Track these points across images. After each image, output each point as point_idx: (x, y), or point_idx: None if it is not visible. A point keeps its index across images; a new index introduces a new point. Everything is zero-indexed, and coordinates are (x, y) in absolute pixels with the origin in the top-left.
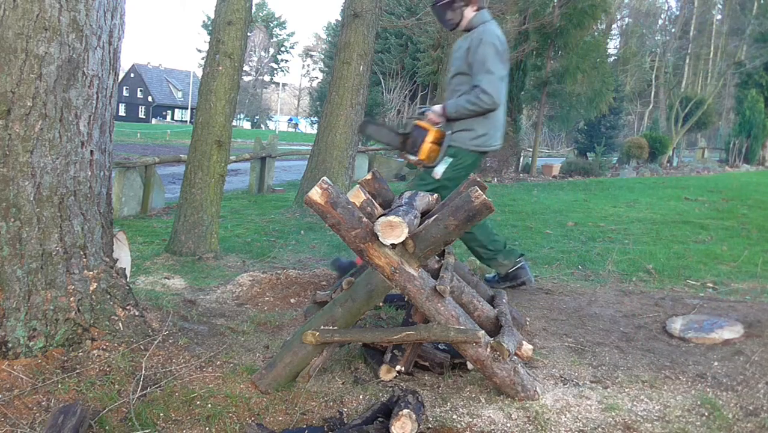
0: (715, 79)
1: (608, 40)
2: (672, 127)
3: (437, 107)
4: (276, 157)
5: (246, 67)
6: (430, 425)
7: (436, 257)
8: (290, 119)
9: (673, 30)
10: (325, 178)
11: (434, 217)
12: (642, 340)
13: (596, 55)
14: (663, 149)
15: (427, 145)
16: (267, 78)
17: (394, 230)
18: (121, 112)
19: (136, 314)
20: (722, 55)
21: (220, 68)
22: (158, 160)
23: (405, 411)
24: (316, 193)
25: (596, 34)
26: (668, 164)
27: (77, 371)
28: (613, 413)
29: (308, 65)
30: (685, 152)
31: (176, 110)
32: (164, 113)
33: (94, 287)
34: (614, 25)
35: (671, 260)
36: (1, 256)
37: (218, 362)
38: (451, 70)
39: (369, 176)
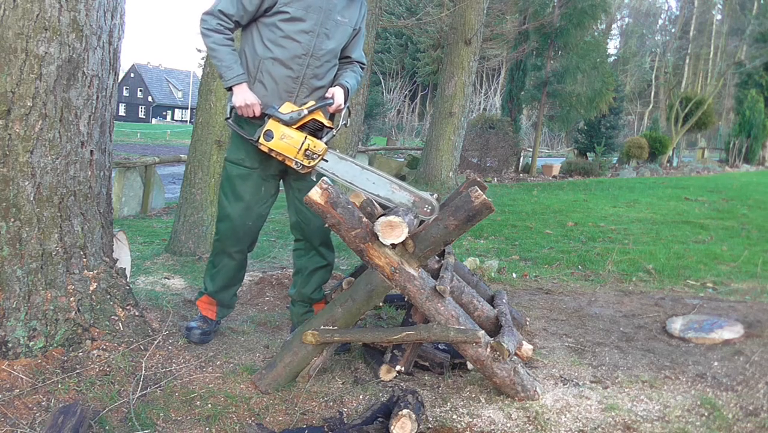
0: (715, 79)
1: (608, 40)
2: (672, 128)
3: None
4: None
5: None
6: (430, 425)
7: (436, 257)
8: None
9: (673, 30)
10: (324, 178)
11: (434, 217)
12: (642, 340)
13: (596, 55)
14: (663, 149)
15: None
16: None
17: (394, 229)
18: (121, 112)
19: (136, 314)
20: (722, 55)
21: None
22: (158, 160)
23: (405, 411)
24: (316, 193)
25: (596, 34)
26: (668, 164)
27: (77, 371)
28: (613, 413)
29: None
30: (685, 152)
31: (176, 110)
32: (164, 113)
33: (94, 287)
34: (614, 25)
35: (671, 260)
36: (1, 256)
37: (218, 362)
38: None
39: None
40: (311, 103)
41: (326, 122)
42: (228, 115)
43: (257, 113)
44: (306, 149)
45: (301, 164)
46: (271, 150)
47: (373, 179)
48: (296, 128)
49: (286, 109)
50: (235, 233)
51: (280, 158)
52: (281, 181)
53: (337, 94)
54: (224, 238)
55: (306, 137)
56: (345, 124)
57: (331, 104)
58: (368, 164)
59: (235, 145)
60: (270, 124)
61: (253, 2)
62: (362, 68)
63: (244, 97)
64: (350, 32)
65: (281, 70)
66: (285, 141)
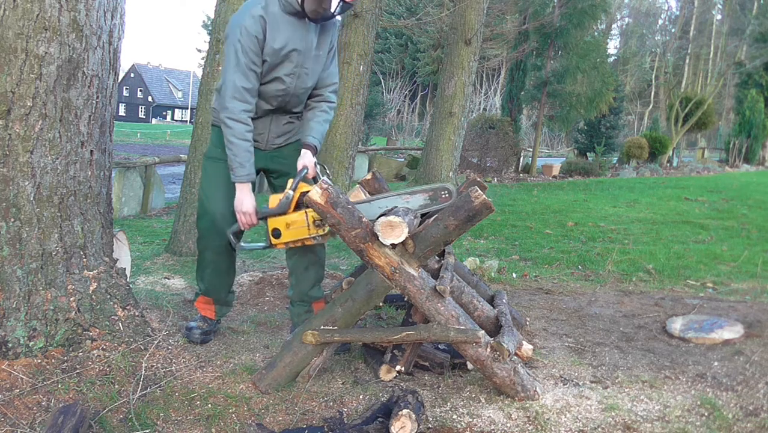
0: (715, 79)
1: (608, 40)
2: (672, 127)
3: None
4: None
5: None
6: (430, 425)
7: (436, 257)
8: None
9: (673, 30)
10: (325, 178)
11: (434, 217)
12: (642, 340)
13: (596, 55)
14: (663, 149)
15: None
16: None
17: (394, 229)
18: (121, 112)
19: (136, 314)
20: (722, 55)
21: (220, 68)
22: (158, 160)
23: (405, 411)
24: (316, 194)
25: (596, 34)
26: (668, 164)
27: (77, 371)
28: (613, 413)
29: None
30: (685, 152)
31: (176, 110)
32: (164, 113)
33: (94, 287)
34: (614, 25)
35: (671, 260)
36: (1, 256)
37: (218, 362)
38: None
39: (369, 176)
40: (290, 182)
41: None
42: (232, 243)
43: (255, 222)
44: (313, 221)
45: (318, 237)
46: (286, 243)
47: (384, 204)
48: (293, 210)
49: (274, 201)
50: (216, 228)
51: (299, 245)
52: (265, 179)
53: (308, 163)
54: (206, 234)
55: (306, 211)
56: (327, 175)
57: (307, 173)
58: (368, 164)
59: (212, 143)
60: (271, 223)
61: (257, 65)
62: (334, 91)
63: (243, 199)
64: (324, 58)
65: (261, 104)
66: (292, 228)
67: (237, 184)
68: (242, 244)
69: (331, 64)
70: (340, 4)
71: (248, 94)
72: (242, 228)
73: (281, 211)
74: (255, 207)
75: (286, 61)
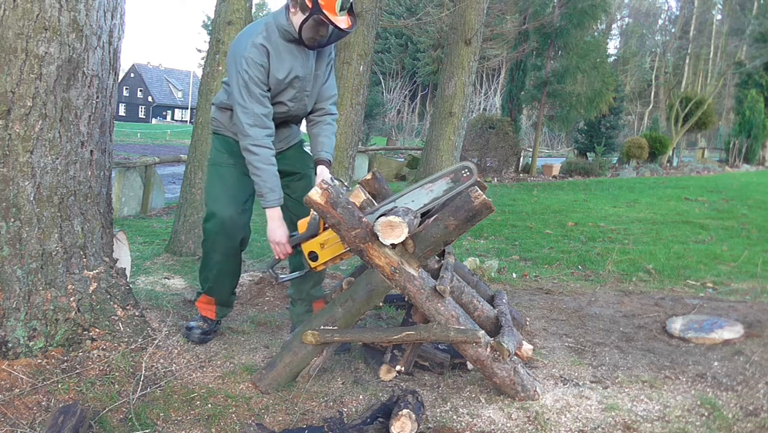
0: (715, 79)
1: (608, 40)
2: (672, 127)
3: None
4: None
5: None
6: (430, 425)
7: (436, 257)
8: None
9: (673, 30)
10: (324, 177)
11: (434, 217)
12: (642, 340)
13: (596, 55)
14: (663, 149)
15: None
16: None
17: (394, 229)
18: (121, 112)
19: (136, 314)
20: (722, 55)
21: (220, 68)
22: (158, 160)
23: (405, 411)
24: (316, 194)
25: (596, 34)
26: (668, 164)
27: (77, 371)
28: (613, 413)
29: None
30: (685, 152)
31: (176, 110)
32: (164, 113)
33: (94, 287)
34: (614, 25)
35: (671, 260)
36: (1, 256)
37: (218, 362)
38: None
39: (369, 176)
40: None
41: None
42: (273, 276)
43: (290, 251)
44: None
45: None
46: (326, 263)
47: (409, 200)
48: (323, 230)
49: (303, 226)
50: (224, 229)
51: (338, 261)
52: None
53: (326, 179)
54: (213, 236)
55: None
56: (346, 188)
57: None
58: (368, 164)
59: (216, 149)
60: (306, 248)
61: (267, 91)
62: (334, 103)
63: (275, 229)
64: (323, 76)
65: None
66: (328, 247)
67: (268, 211)
68: (282, 276)
69: (329, 77)
70: (335, 32)
71: (267, 119)
72: (278, 258)
73: (312, 234)
74: (288, 236)
75: (288, 88)
